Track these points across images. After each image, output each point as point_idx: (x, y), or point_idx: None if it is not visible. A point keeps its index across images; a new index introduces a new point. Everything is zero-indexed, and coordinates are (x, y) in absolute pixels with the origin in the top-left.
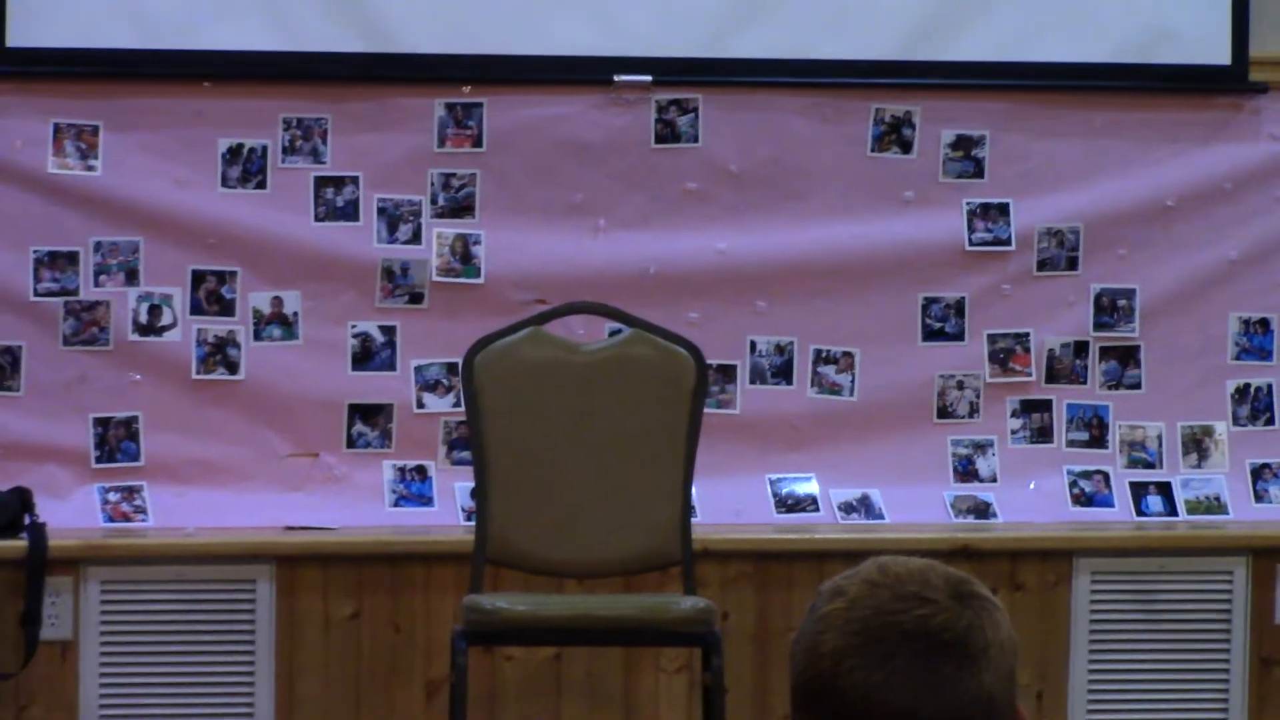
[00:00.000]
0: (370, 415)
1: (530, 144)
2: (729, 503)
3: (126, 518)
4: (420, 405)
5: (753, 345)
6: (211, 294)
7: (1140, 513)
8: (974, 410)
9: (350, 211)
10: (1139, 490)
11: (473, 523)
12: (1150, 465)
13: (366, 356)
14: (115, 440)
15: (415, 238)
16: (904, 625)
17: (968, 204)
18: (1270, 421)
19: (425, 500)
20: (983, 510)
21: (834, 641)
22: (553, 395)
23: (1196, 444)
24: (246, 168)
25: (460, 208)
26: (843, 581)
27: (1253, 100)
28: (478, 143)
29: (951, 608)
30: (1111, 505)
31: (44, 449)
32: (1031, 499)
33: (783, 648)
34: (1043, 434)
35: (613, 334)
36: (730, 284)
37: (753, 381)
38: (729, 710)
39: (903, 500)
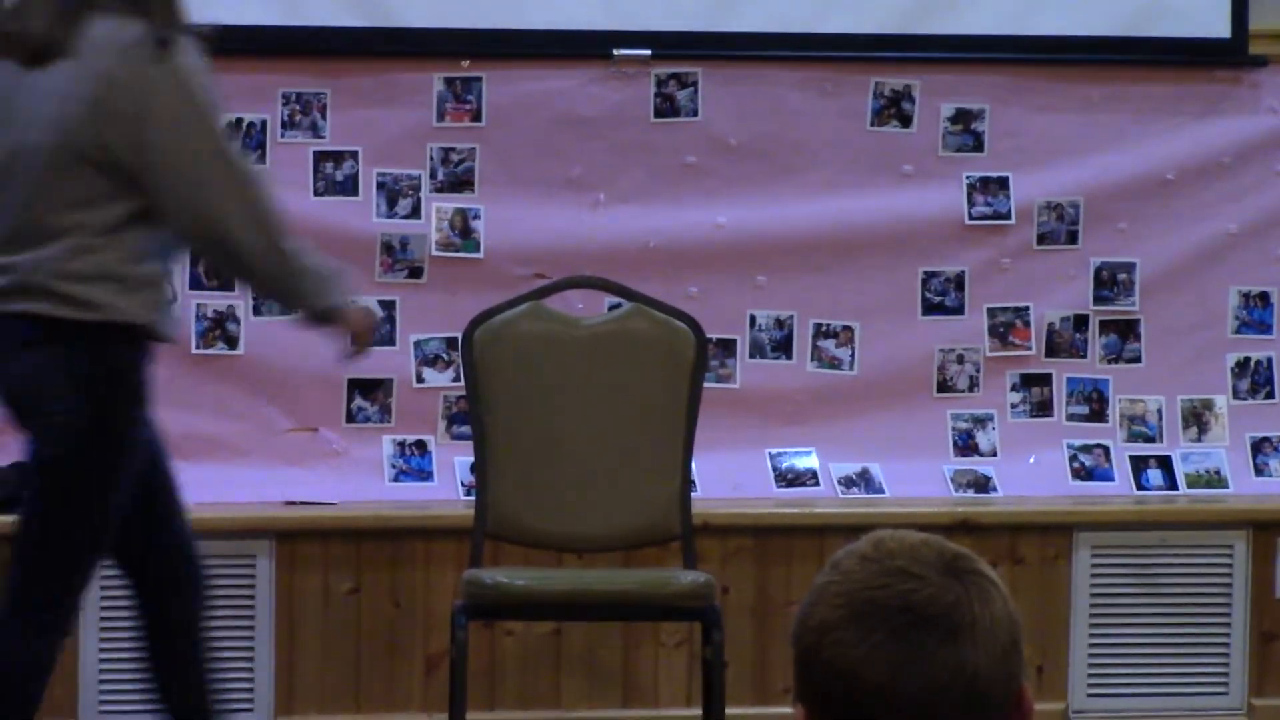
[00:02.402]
0: (370, 390)
1: (529, 118)
2: (729, 477)
3: None
4: (420, 380)
5: (752, 319)
6: (211, 269)
7: (1140, 486)
8: (974, 384)
9: (349, 186)
10: (1139, 464)
11: (472, 497)
12: (1150, 439)
13: None
14: None
15: (414, 212)
16: (886, 601)
17: (967, 178)
18: (1270, 395)
19: (425, 475)
20: (983, 484)
21: (822, 614)
22: (552, 370)
23: (1196, 418)
24: (245, 143)
25: (459, 182)
26: (841, 555)
27: (1252, 74)
28: (477, 117)
29: (939, 583)
30: (1111, 479)
31: None
32: (1031, 473)
33: (782, 622)
34: (1042, 408)
35: (612, 308)
36: (730, 258)
37: (752, 356)
38: (728, 684)
39: (903, 474)
